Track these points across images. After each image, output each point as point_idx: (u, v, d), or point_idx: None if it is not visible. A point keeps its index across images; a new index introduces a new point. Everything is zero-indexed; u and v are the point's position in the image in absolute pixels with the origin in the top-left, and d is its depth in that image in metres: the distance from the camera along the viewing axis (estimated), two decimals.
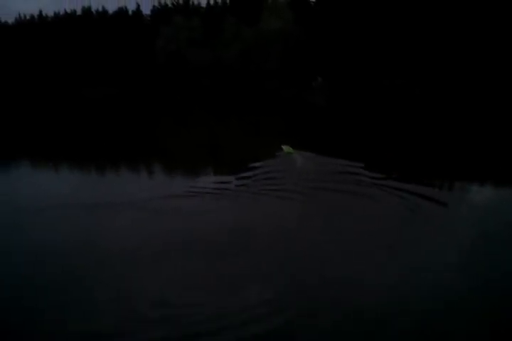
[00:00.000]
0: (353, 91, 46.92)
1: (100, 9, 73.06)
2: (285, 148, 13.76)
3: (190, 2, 70.85)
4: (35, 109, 41.30)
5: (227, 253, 5.75)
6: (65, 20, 71.67)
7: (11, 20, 77.36)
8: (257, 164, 11.15)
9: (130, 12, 71.97)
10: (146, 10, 72.82)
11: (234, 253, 5.75)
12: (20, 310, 4.43)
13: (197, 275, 5.11)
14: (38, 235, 6.58)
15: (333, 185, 9.21)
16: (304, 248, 5.94)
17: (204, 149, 15.26)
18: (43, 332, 4.13)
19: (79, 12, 73.25)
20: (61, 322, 4.27)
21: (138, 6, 71.81)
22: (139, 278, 5.12)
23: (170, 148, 15.70)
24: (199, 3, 71.68)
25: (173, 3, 71.25)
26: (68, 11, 73.89)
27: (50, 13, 75.79)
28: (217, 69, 57.50)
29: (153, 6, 71.86)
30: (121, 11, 71.94)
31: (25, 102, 50.35)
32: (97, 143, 16.84)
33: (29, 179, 10.88)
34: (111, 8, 78.21)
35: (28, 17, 75.73)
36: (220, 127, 21.99)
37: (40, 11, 75.38)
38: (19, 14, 76.70)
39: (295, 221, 7.23)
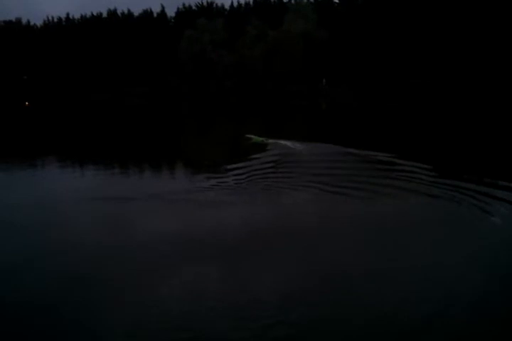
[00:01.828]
0: (374, 92, 46.77)
1: (126, 12, 74.41)
2: (252, 137, 14.53)
3: (214, 4, 71.45)
4: (68, 109, 42.20)
5: (252, 250, 5.75)
6: (92, 23, 73.13)
7: (39, 22, 79.09)
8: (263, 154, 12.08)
9: (155, 14, 72.92)
10: (170, 12, 73.71)
11: (257, 249, 5.74)
12: (47, 297, 4.53)
13: (217, 273, 5.06)
14: (72, 225, 6.92)
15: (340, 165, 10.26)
16: (327, 242, 5.81)
17: (218, 147, 15.43)
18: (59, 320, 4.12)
19: (105, 14, 74.91)
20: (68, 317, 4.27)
21: (163, 8, 72.71)
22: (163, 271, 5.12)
23: (186, 147, 15.91)
24: (223, 5, 71.99)
25: (197, 5, 71.93)
26: (94, 13, 75.57)
27: (77, 16, 77.24)
28: (240, 71, 57.71)
29: (178, 8, 72.74)
30: (146, 13, 72.95)
31: (58, 103, 51.48)
32: (122, 143, 17.23)
33: (58, 176, 11.27)
34: (137, 10, 78.93)
35: (55, 19, 77.78)
36: (234, 126, 22.39)
37: (68, 14, 77.16)
38: (47, 16, 78.72)
39: (317, 210, 7.30)
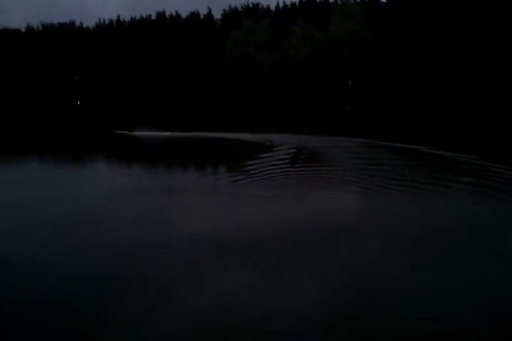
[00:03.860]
0: (415, 92, 45.92)
1: (174, 14, 75.90)
2: (121, 132, 18.50)
3: (260, 5, 71.81)
4: (116, 109, 43.73)
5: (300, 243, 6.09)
6: (141, 25, 75.13)
7: (91, 24, 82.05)
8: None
9: (202, 16, 74.09)
10: (217, 14, 74.60)
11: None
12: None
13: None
14: (126, 211, 7.84)
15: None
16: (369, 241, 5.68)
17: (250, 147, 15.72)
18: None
19: (154, 17, 76.73)
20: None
21: (209, 10, 73.77)
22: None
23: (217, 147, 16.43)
24: (268, 6, 72.24)
25: (243, 7, 72.58)
26: (144, 15, 77.58)
27: (127, 18, 79.52)
28: (285, 72, 57.51)
29: (224, 10, 73.59)
30: (194, 15, 74.24)
31: (106, 103, 53.32)
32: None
33: (108, 171, 12.56)
34: (184, 12, 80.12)
35: (107, 22, 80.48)
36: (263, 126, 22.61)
37: (118, 16, 79.64)
38: (99, 19, 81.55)
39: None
